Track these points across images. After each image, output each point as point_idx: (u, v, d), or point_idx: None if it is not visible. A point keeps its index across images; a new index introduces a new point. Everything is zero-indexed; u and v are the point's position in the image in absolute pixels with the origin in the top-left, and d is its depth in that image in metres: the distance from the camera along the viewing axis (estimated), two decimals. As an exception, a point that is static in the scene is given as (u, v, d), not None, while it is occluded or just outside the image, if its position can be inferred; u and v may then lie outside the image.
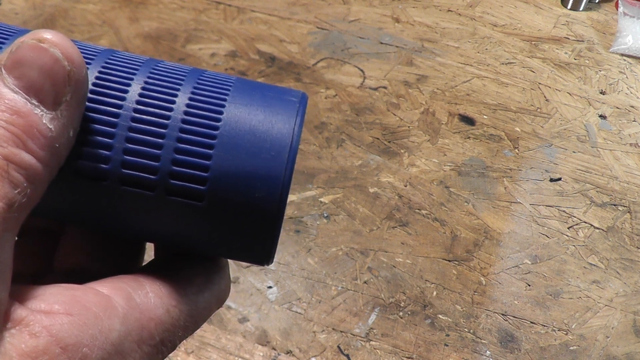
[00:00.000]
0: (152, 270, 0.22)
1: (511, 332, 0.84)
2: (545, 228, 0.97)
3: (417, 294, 0.86)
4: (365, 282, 0.87)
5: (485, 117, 1.16)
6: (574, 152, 1.11)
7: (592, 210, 1.01)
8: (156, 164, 0.20)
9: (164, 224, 0.21)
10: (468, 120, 1.15)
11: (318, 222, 0.93)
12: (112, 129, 0.20)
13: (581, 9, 1.50)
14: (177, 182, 0.20)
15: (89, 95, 0.20)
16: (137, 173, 0.20)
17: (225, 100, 0.21)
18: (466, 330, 0.83)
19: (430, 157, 1.07)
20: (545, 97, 1.23)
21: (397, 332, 0.82)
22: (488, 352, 0.81)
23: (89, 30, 1.24)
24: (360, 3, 1.43)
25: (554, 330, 0.84)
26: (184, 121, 0.20)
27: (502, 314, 0.86)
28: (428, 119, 1.14)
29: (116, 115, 0.20)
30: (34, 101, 0.18)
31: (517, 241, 0.95)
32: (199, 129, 0.20)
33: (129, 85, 0.21)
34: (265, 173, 0.20)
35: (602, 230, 0.98)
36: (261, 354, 0.78)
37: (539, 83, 1.26)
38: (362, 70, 1.23)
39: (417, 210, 0.97)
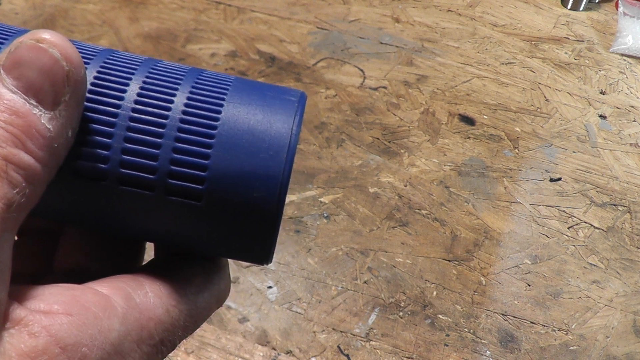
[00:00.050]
0: (152, 270, 0.22)
1: (511, 332, 0.84)
2: (545, 228, 0.97)
3: (417, 294, 0.86)
4: (365, 282, 0.87)
5: (485, 117, 1.16)
6: (574, 152, 1.11)
7: (592, 210, 1.01)
8: (154, 163, 0.20)
9: (162, 224, 0.21)
10: (468, 120, 1.15)
11: (318, 222, 0.93)
12: (111, 129, 0.20)
13: (581, 9, 1.50)
14: (175, 182, 0.20)
15: (88, 95, 0.20)
16: (135, 173, 0.20)
17: (223, 99, 0.21)
18: (466, 330, 0.83)
19: (430, 157, 1.07)
20: (545, 97, 1.23)
21: (397, 332, 0.82)
22: (488, 352, 0.81)
23: (89, 30, 1.24)
24: (360, 3, 1.43)
25: (554, 330, 0.84)
26: (182, 121, 0.20)
27: (502, 314, 0.86)
28: (428, 119, 1.14)
29: (114, 115, 0.20)
30: (32, 101, 0.18)
31: (517, 241, 0.95)
32: (197, 128, 0.20)
33: (127, 85, 0.21)
34: (264, 172, 0.20)
35: (602, 230, 0.98)
36: (261, 354, 0.78)
37: (539, 83, 1.26)
38: (362, 70, 1.23)
39: (417, 210, 0.97)
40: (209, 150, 0.20)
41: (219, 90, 0.22)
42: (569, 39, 1.40)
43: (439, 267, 0.90)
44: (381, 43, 1.32)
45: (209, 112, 0.21)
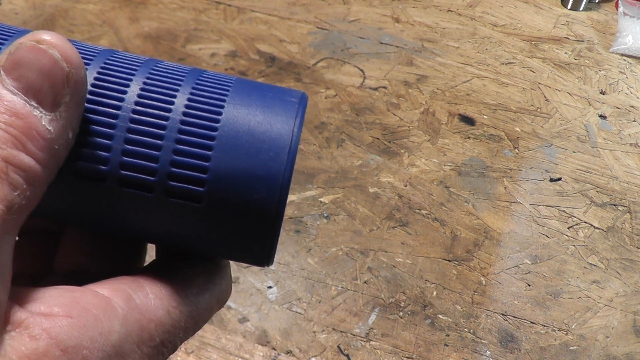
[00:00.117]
0: (153, 271, 0.22)
1: (511, 332, 0.84)
2: (545, 228, 0.97)
3: (417, 294, 0.86)
4: (365, 282, 0.87)
5: (485, 117, 1.16)
6: (574, 152, 1.11)
7: (592, 210, 1.01)
8: (155, 165, 0.20)
9: (163, 225, 0.21)
10: (468, 120, 1.15)
11: (318, 222, 0.93)
12: (111, 130, 0.20)
13: (581, 9, 1.50)
14: (175, 184, 0.20)
15: (88, 96, 0.20)
16: (135, 174, 0.20)
17: (224, 100, 0.21)
18: (466, 330, 0.83)
19: (430, 157, 1.07)
20: (545, 97, 1.23)
21: (397, 332, 0.82)
22: (488, 352, 0.81)
23: (89, 30, 1.24)
24: (360, 3, 1.43)
25: (554, 330, 0.84)
26: (182, 122, 0.20)
27: (502, 314, 0.86)
28: (428, 119, 1.14)
29: (115, 117, 0.20)
30: (33, 102, 0.18)
31: (517, 241, 0.95)
32: (198, 130, 0.20)
33: (127, 86, 0.21)
34: (264, 174, 0.20)
35: (602, 230, 0.98)
36: (261, 354, 0.78)
37: (539, 83, 1.26)
38: (362, 70, 1.23)
39: (417, 210, 0.97)
40: (210, 152, 0.20)
41: (219, 91, 0.22)
42: (569, 39, 1.40)
43: (439, 267, 0.90)
44: (381, 43, 1.31)
45: (209, 114, 0.21)
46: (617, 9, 1.46)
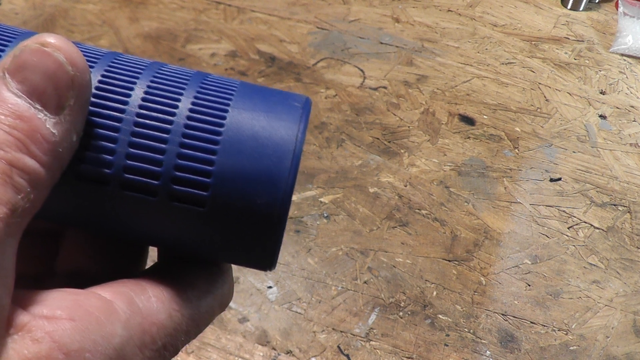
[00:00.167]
0: (155, 274, 0.22)
1: (511, 332, 0.84)
2: (545, 228, 0.97)
3: (417, 294, 0.86)
4: (365, 282, 0.87)
5: (485, 117, 1.16)
6: (574, 152, 1.11)
7: (592, 210, 1.01)
8: (159, 168, 0.20)
9: (165, 229, 0.21)
10: (468, 120, 1.15)
11: (318, 222, 0.93)
12: (115, 134, 0.20)
13: (581, 9, 1.50)
14: (179, 188, 0.20)
15: (92, 99, 0.20)
16: (139, 178, 0.20)
17: (228, 105, 0.21)
18: (466, 330, 0.83)
19: (430, 157, 1.07)
20: (545, 97, 1.23)
21: (397, 332, 0.82)
22: (488, 352, 0.81)
23: (89, 30, 1.24)
24: (360, 3, 1.43)
25: (554, 330, 0.85)
26: (186, 126, 0.20)
27: (502, 314, 0.86)
28: (428, 119, 1.14)
29: (119, 120, 0.20)
30: (37, 105, 0.18)
31: (517, 241, 0.95)
32: (202, 134, 0.20)
33: (131, 89, 0.21)
34: (268, 179, 0.20)
35: (602, 230, 0.98)
36: (261, 354, 0.78)
37: (539, 83, 1.26)
38: (362, 70, 1.23)
39: (417, 210, 0.97)
40: (214, 157, 0.20)
41: (223, 95, 0.22)
42: (569, 39, 1.40)
43: (439, 267, 0.90)
44: (381, 43, 1.31)
45: (213, 118, 0.21)
46: (617, 9, 1.46)
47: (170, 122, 0.20)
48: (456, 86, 1.22)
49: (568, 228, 0.98)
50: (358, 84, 1.20)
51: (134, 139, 0.20)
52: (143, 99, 0.20)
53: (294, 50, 1.26)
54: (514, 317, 0.86)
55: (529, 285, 0.89)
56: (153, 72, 0.21)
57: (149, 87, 0.21)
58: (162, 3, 1.34)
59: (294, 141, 0.21)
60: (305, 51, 1.26)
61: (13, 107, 0.17)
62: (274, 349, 0.79)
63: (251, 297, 0.83)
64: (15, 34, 0.21)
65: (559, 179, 1.06)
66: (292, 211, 0.95)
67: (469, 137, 1.11)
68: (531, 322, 0.85)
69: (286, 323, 0.81)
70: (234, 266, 0.25)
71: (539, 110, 1.19)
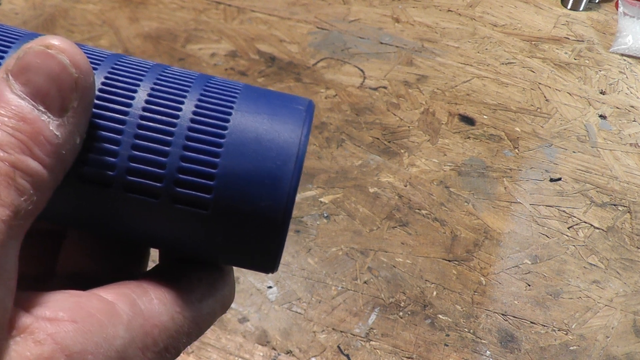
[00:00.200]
0: (156, 276, 0.22)
1: (511, 332, 0.84)
2: (545, 228, 0.98)
3: (417, 294, 0.86)
4: (365, 282, 0.87)
5: (485, 117, 1.16)
6: (574, 152, 1.11)
7: (592, 210, 1.01)
8: (162, 171, 0.20)
9: (168, 231, 0.21)
10: (468, 120, 1.15)
11: (318, 222, 0.93)
12: (118, 136, 0.20)
13: (581, 9, 1.50)
14: (182, 190, 0.20)
15: (95, 101, 0.20)
16: (142, 180, 0.20)
17: (232, 108, 0.21)
18: (466, 330, 0.83)
19: (430, 157, 1.07)
20: (545, 97, 1.23)
21: (397, 332, 0.82)
22: (488, 352, 0.81)
23: (89, 30, 1.24)
24: (360, 3, 1.43)
25: (554, 330, 0.85)
26: (190, 129, 0.20)
27: (502, 314, 0.86)
28: (428, 119, 1.14)
29: (122, 122, 0.20)
30: (40, 108, 0.18)
31: (517, 241, 0.95)
32: (206, 137, 0.20)
33: (135, 91, 0.21)
34: (271, 182, 0.20)
35: (602, 230, 0.98)
36: (261, 354, 0.78)
37: (539, 83, 1.26)
38: (362, 70, 1.23)
39: (417, 210, 0.97)
40: (217, 159, 0.20)
41: (227, 98, 0.22)
42: (569, 39, 1.40)
43: (439, 267, 0.90)
44: (381, 43, 1.32)
45: (217, 121, 0.21)
46: (617, 9, 1.46)
47: (173, 125, 0.20)
48: (456, 86, 1.22)
49: (568, 228, 0.98)
50: (358, 84, 1.20)
51: (137, 141, 0.20)
52: (146, 102, 0.20)
53: (294, 50, 1.26)
54: (514, 317, 0.86)
55: (529, 285, 0.89)
56: (156, 75, 0.21)
57: (152, 89, 0.21)
58: (162, 3, 1.34)
59: (297, 144, 0.21)
60: (305, 51, 1.26)
61: (16, 109, 0.17)
62: (274, 349, 0.79)
63: (251, 297, 0.83)
64: (18, 36, 0.21)
65: (559, 179, 1.06)
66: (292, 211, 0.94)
67: (469, 137, 1.11)
68: (531, 322, 0.85)
69: (286, 323, 0.81)
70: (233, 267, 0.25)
71: (539, 110, 1.19)
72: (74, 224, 0.22)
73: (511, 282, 0.89)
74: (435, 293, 0.87)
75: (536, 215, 0.99)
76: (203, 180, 0.20)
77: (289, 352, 0.78)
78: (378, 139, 1.09)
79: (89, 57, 0.21)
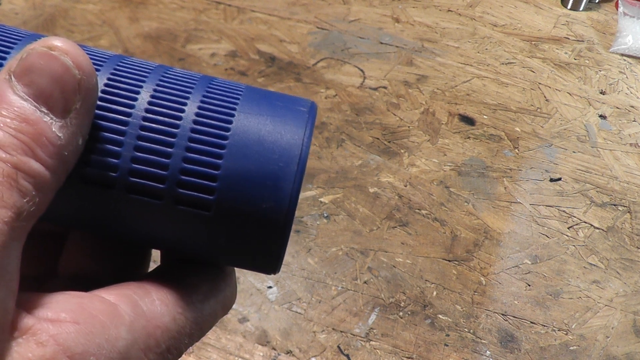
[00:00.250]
0: (158, 277, 0.22)
1: (511, 332, 0.84)
2: (545, 228, 0.98)
3: (417, 294, 0.86)
4: (365, 282, 0.87)
5: (485, 117, 1.16)
6: (574, 152, 1.11)
7: (592, 210, 1.01)
8: (164, 172, 0.20)
9: (170, 232, 0.21)
10: (468, 120, 1.15)
11: (318, 222, 0.93)
12: (121, 137, 0.20)
13: (581, 9, 1.50)
14: (185, 192, 0.20)
15: (98, 102, 0.20)
16: (144, 181, 0.20)
17: (234, 109, 0.21)
18: (466, 330, 0.83)
19: (430, 157, 1.07)
20: (545, 97, 1.23)
21: (397, 332, 0.82)
22: (488, 352, 0.82)
23: (89, 30, 1.24)
24: (360, 3, 1.43)
25: (554, 330, 0.85)
26: (193, 130, 0.20)
27: (502, 314, 0.86)
28: (428, 119, 1.14)
29: (125, 124, 0.20)
30: (43, 109, 0.18)
31: (517, 241, 0.95)
32: (208, 138, 0.20)
33: (138, 92, 0.21)
34: (274, 183, 0.20)
35: (602, 230, 0.98)
36: (261, 354, 0.78)
37: (539, 83, 1.26)
38: (362, 70, 1.23)
39: (417, 210, 0.97)
40: (220, 161, 0.20)
41: (230, 99, 0.22)
42: (569, 39, 1.40)
43: (439, 267, 0.90)
44: (381, 43, 1.32)
45: (220, 122, 0.21)
46: (617, 9, 1.46)
47: (176, 126, 0.20)
48: (456, 86, 1.22)
49: (568, 228, 0.98)
50: (358, 84, 1.20)
51: (140, 142, 0.20)
52: (149, 103, 0.20)
53: (294, 50, 1.26)
54: (514, 317, 0.86)
55: (529, 285, 0.89)
56: (159, 76, 0.21)
57: (155, 90, 0.21)
58: (162, 3, 1.34)
59: (300, 146, 0.21)
60: (305, 51, 1.26)
61: (19, 110, 0.17)
62: (274, 349, 0.79)
63: (251, 297, 0.83)
64: (20, 37, 0.21)
65: (559, 179, 1.06)
66: (292, 211, 0.94)
67: (469, 137, 1.12)
68: (531, 322, 0.85)
69: (286, 323, 0.81)
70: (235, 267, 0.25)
71: (539, 110, 1.20)
72: (76, 225, 0.22)
73: (511, 282, 0.89)
74: (435, 293, 0.87)
75: (536, 215, 0.99)
76: (205, 182, 0.20)
77: (289, 352, 0.78)
78: (378, 139, 1.09)
79: (91, 59, 0.21)
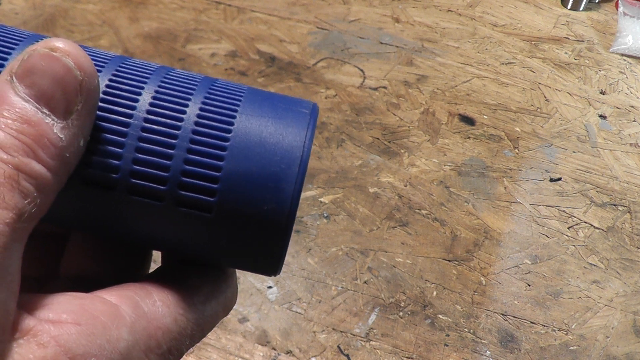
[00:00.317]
0: (160, 278, 0.22)
1: (511, 332, 0.84)
2: (545, 228, 0.98)
3: (417, 294, 0.86)
4: (365, 282, 0.87)
5: (485, 117, 1.16)
6: (574, 152, 1.12)
7: (592, 210, 1.02)
8: (166, 174, 0.20)
9: (171, 233, 0.21)
10: (468, 120, 1.15)
11: (318, 222, 0.93)
12: (122, 139, 0.20)
13: (581, 9, 1.50)
14: (186, 193, 0.20)
15: (100, 103, 0.20)
16: (146, 183, 0.20)
17: (236, 111, 0.21)
18: (466, 330, 0.83)
19: (430, 157, 1.07)
20: (545, 97, 1.23)
21: (397, 332, 0.82)
22: (488, 352, 0.82)
23: (89, 30, 1.24)
24: (360, 3, 1.43)
25: (554, 330, 0.85)
26: (194, 132, 0.20)
27: (502, 314, 0.86)
28: (428, 119, 1.14)
29: (126, 125, 0.20)
30: (44, 110, 0.18)
31: (517, 241, 0.95)
32: (210, 139, 0.20)
33: (139, 94, 0.21)
34: (275, 185, 0.20)
35: (602, 230, 0.98)
36: (261, 354, 0.78)
37: (539, 83, 1.26)
38: (362, 70, 1.23)
39: (417, 210, 0.97)
40: (221, 162, 0.20)
41: (231, 101, 0.21)
42: (569, 39, 1.40)
43: (439, 267, 0.90)
44: (381, 43, 1.32)
45: (221, 124, 0.21)
46: (617, 9, 1.46)
47: (178, 128, 0.20)
48: (456, 86, 1.22)
49: (568, 228, 0.98)
50: (358, 84, 1.20)
51: (142, 144, 0.20)
52: (151, 104, 0.20)
53: (294, 50, 1.26)
54: (514, 317, 0.86)
55: (529, 285, 0.89)
56: (161, 77, 0.21)
57: (156, 92, 0.21)
58: (162, 3, 1.34)
59: (301, 147, 0.21)
60: (305, 51, 1.26)
61: (20, 111, 0.17)
62: (274, 349, 0.79)
63: (251, 297, 0.83)
64: (21, 37, 0.21)
65: (559, 179, 1.06)
66: (293, 211, 0.94)
67: (469, 137, 1.12)
68: (531, 322, 0.85)
69: (286, 323, 0.81)
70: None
71: (539, 110, 1.20)
72: (78, 226, 0.22)
73: (511, 282, 0.89)
74: (435, 293, 0.87)
75: (536, 215, 0.99)
76: (207, 184, 0.20)
77: (289, 352, 0.78)
78: (378, 139, 1.09)
79: (93, 60, 0.21)
